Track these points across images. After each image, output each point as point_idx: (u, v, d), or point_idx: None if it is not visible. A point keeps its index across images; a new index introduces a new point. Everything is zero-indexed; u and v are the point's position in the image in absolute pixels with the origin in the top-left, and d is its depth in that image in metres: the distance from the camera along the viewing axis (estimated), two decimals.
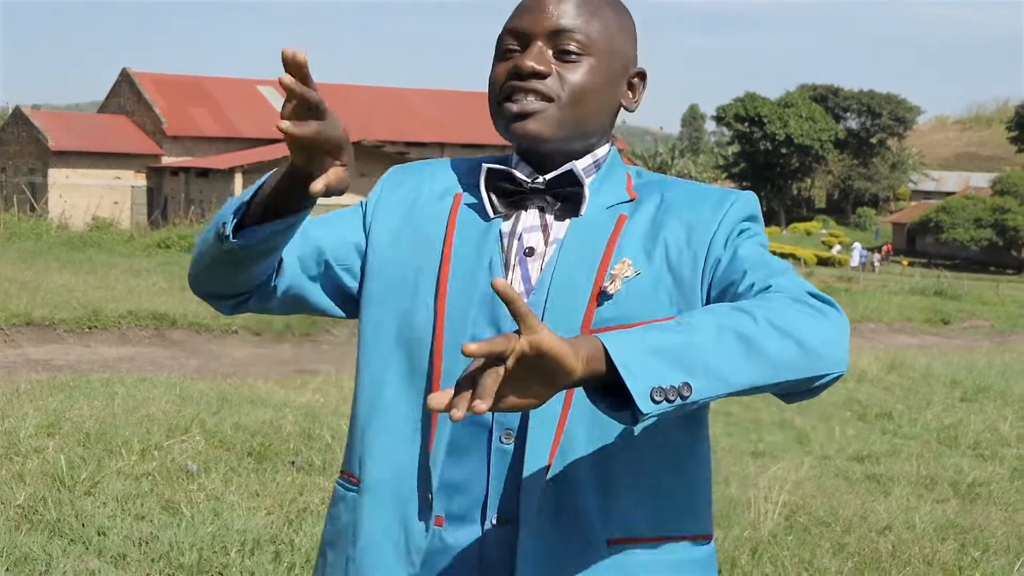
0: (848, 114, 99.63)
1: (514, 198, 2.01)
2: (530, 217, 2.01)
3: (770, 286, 1.85)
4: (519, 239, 2.00)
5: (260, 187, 1.90)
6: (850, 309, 30.51)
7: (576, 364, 1.56)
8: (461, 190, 2.08)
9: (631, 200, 2.01)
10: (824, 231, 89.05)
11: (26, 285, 17.96)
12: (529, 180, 2.00)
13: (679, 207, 1.99)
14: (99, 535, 5.67)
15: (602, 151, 2.06)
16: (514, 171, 2.00)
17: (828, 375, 1.78)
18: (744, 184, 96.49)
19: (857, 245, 72.06)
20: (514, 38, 1.99)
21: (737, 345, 1.68)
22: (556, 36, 1.96)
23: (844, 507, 7.25)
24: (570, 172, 1.98)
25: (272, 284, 2.06)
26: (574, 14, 1.96)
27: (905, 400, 13.05)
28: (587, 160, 2.04)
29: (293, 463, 7.36)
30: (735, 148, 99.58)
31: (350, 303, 2.13)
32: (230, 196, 35.98)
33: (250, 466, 7.21)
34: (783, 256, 70.53)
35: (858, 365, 15.44)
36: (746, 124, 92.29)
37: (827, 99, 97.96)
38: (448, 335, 1.96)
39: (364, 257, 2.09)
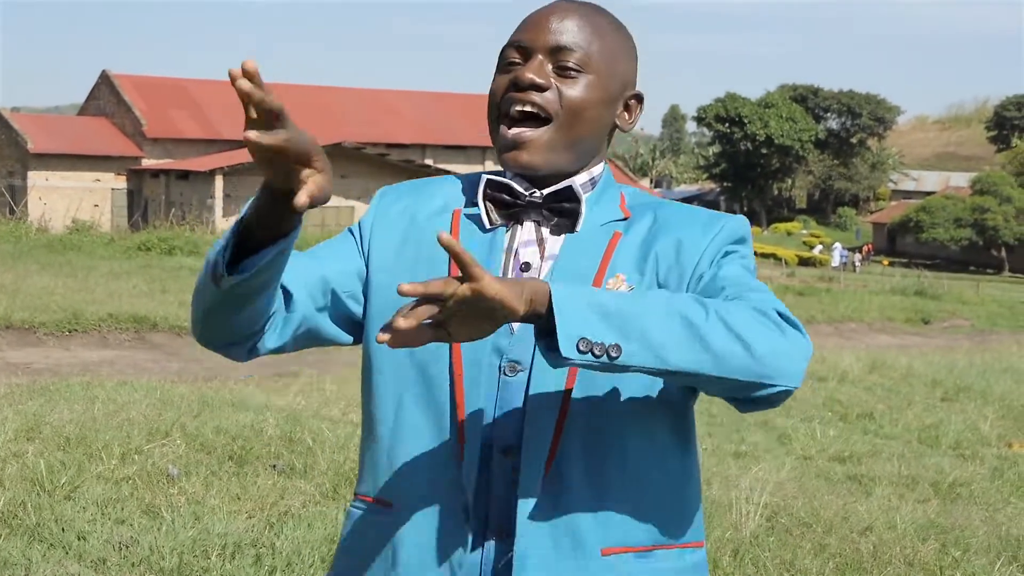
0: (828, 114, 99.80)
1: (512, 210, 2.04)
2: (526, 231, 2.04)
3: (740, 298, 1.89)
4: (515, 254, 2.03)
5: (242, 219, 1.84)
6: (831, 309, 30.65)
7: (518, 305, 1.68)
8: (459, 205, 2.10)
9: (625, 218, 2.06)
10: (805, 231, 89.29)
11: (5, 288, 17.88)
12: (527, 193, 2.03)
13: (671, 225, 2.03)
14: (79, 540, 5.65)
15: (597, 170, 2.09)
16: (512, 184, 2.03)
17: (773, 385, 1.82)
18: (725, 184, 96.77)
19: (838, 245, 72.34)
20: (516, 51, 2.02)
21: (681, 328, 1.75)
22: (557, 52, 1.99)
23: (825, 508, 7.26)
24: (568, 188, 2.02)
25: (284, 322, 2.02)
26: (576, 32, 2.00)
27: (886, 400, 13.09)
28: (583, 177, 2.06)
29: (274, 467, 7.35)
30: (716, 149, 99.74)
31: (357, 330, 2.12)
32: (210, 198, 35.60)
33: (231, 470, 7.19)
34: (764, 256, 70.80)
35: (839, 365, 15.48)
36: (726, 125, 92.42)
37: (807, 99, 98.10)
38: (466, 351, 1.98)
39: (366, 281, 2.09)
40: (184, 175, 51.40)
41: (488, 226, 2.04)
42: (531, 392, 1.94)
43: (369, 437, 2.09)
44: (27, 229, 31.60)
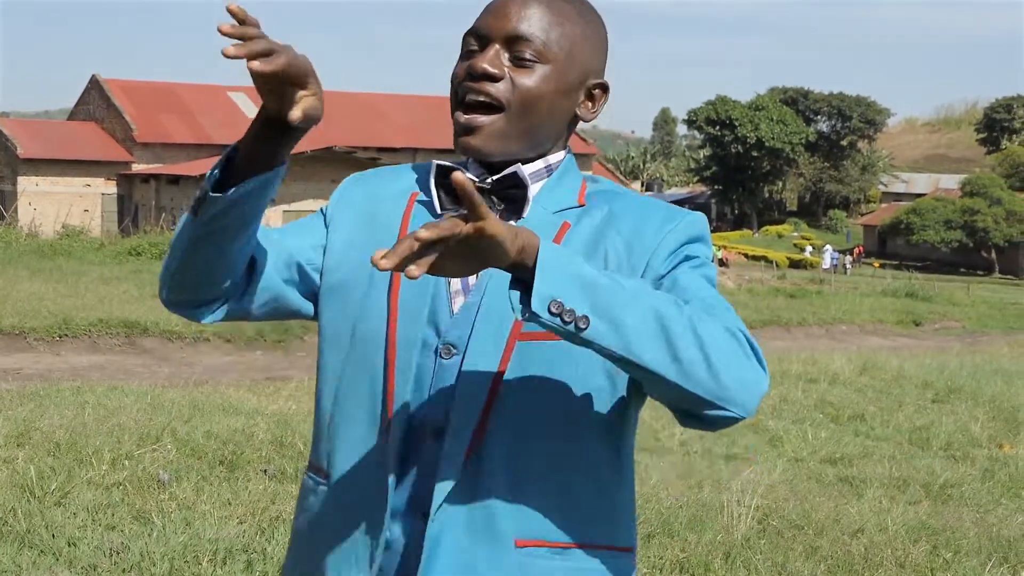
0: (818, 117, 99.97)
1: (458, 198, 2.00)
2: None
3: (709, 315, 1.85)
4: None
5: (235, 148, 1.89)
6: (822, 311, 30.67)
7: (511, 250, 1.69)
8: (418, 189, 2.11)
9: (579, 207, 2.05)
10: (796, 233, 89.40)
11: None
12: (477, 180, 2.02)
13: (624, 219, 2.02)
14: (69, 546, 5.63)
15: (556, 157, 2.08)
16: (461, 168, 2.03)
17: (725, 410, 1.81)
18: (716, 187, 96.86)
19: (828, 247, 72.41)
20: (475, 39, 2.02)
21: (654, 325, 1.75)
22: (514, 41, 1.98)
23: (817, 510, 7.27)
24: (514, 174, 2.01)
25: (246, 288, 2.05)
26: (535, 20, 1.99)
27: (877, 402, 13.10)
28: (538, 164, 2.06)
29: (265, 471, 7.34)
30: (707, 151, 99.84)
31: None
32: None
33: (222, 475, 7.18)
34: (755, 259, 70.89)
35: (830, 367, 15.51)
36: (717, 127, 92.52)
37: (798, 102, 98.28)
38: (401, 331, 1.99)
39: (323, 256, 2.12)
40: (174, 180, 51.29)
41: (439, 211, 2.04)
42: (462, 375, 1.95)
43: (317, 408, 2.13)
44: (17, 235, 31.50)
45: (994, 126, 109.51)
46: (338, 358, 2.07)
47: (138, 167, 54.80)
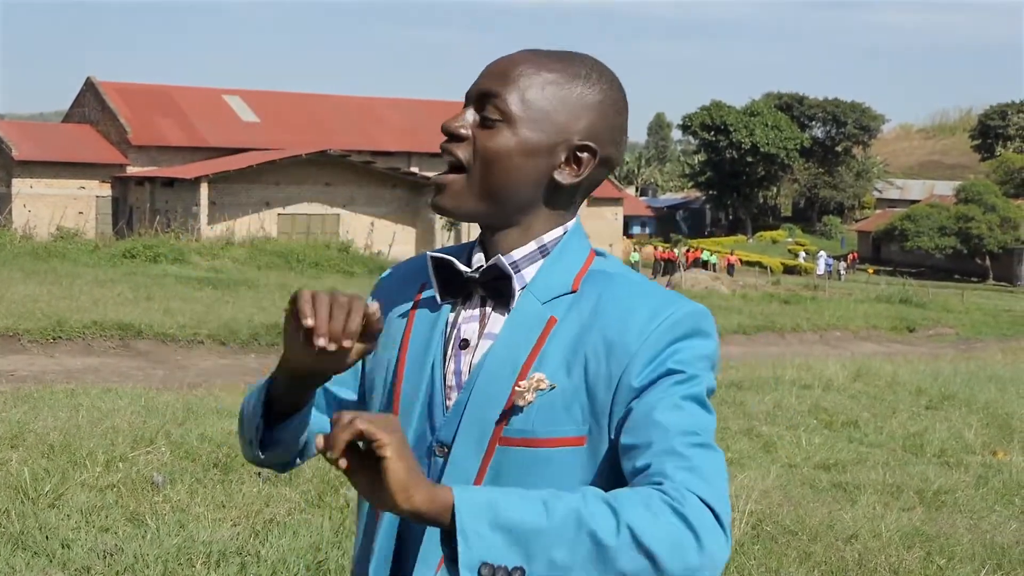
0: (813, 122, 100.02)
1: (458, 286, 1.97)
2: (471, 307, 1.98)
3: (662, 482, 1.74)
4: (458, 329, 1.97)
5: (267, 398, 1.96)
6: (816, 317, 30.71)
7: (399, 500, 1.61)
8: (425, 279, 2.05)
9: (572, 292, 1.95)
10: (790, 239, 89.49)
11: None
12: (467, 270, 1.96)
13: (609, 313, 1.91)
14: (63, 548, 5.63)
15: (551, 234, 1.98)
16: (453, 260, 1.96)
17: None
18: (710, 192, 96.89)
19: (823, 253, 72.51)
20: (465, 99, 2.00)
21: (591, 548, 1.65)
22: (483, 100, 1.94)
23: (811, 516, 7.27)
24: (495, 266, 1.94)
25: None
26: (505, 79, 1.93)
27: (871, 408, 13.09)
28: (530, 247, 1.97)
29: (259, 474, 7.33)
30: (701, 157, 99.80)
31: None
32: (195, 206, 35.41)
33: (216, 477, 7.17)
34: (750, 264, 70.91)
35: (824, 373, 15.49)
36: (712, 133, 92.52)
37: (792, 107, 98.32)
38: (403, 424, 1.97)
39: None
40: (169, 182, 51.30)
41: (439, 302, 1.99)
42: (445, 476, 1.92)
43: None
44: (11, 236, 31.50)
45: (988, 133, 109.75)
46: None
47: (133, 170, 54.81)
